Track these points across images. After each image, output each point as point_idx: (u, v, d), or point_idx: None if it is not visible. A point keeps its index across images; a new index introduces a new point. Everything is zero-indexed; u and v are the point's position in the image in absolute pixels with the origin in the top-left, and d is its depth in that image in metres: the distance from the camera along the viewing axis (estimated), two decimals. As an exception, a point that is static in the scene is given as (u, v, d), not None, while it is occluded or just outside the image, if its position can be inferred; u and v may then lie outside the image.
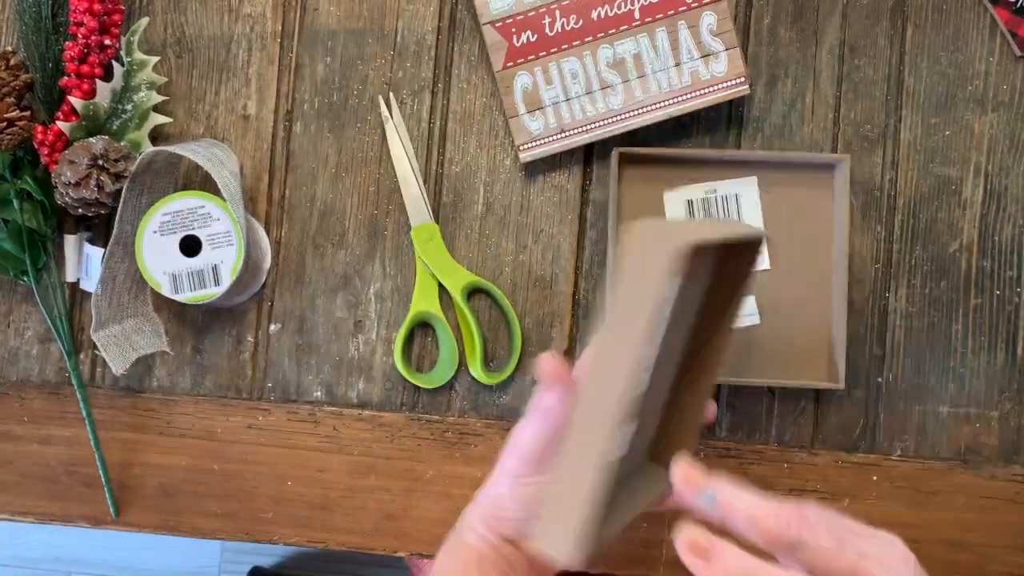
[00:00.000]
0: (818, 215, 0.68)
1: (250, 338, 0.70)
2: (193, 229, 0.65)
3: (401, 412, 0.69)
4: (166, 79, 0.70)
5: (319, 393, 0.70)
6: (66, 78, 0.66)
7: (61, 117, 0.66)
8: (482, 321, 0.70)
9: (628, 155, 0.67)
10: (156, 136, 0.70)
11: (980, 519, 0.66)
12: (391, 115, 0.70)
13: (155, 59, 0.69)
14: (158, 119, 0.69)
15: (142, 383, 0.70)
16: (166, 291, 0.65)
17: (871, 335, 0.68)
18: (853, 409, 0.68)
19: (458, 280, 0.68)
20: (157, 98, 0.69)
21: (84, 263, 0.69)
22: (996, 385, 0.68)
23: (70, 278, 0.69)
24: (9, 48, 0.67)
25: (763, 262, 0.68)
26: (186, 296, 0.66)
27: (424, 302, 0.69)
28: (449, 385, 0.69)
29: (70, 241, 0.69)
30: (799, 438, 0.68)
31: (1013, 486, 0.67)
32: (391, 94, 0.70)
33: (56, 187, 0.66)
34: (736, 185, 0.68)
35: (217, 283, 0.65)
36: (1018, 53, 0.69)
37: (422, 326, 0.70)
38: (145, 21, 0.70)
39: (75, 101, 0.66)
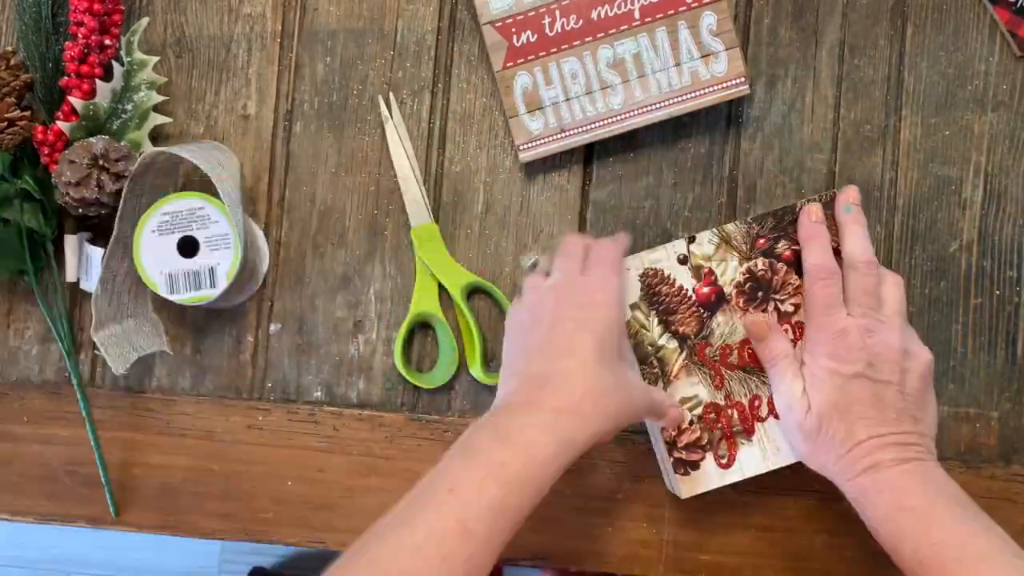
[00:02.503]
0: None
1: (250, 338, 0.70)
2: (191, 230, 0.65)
3: (401, 412, 0.69)
4: (166, 79, 0.70)
5: (319, 393, 0.70)
6: (66, 78, 0.66)
7: (61, 117, 0.66)
8: (482, 321, 0.70)
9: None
10: (156, 136, 0.70)
11: (980, 519, 0.66)
12: (391, 115, 0.70)
13: (155, 59, 0.69)
14: (158, 119, 0.69)
15: (142, 383, 0.70)
16: (162, 291, 0.65)
17: (871, 335, 0.68)
18: (853, 409, 0.68)
19: (458, 280, 0.68)
20: (157, 98, 0.69)
21: (84, 263, 0.69)
22: (996, 385, 0.68)
23: (70, 278, 0.69)
24: (9, 48, 0.67)
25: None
26: (181, 297, 0.66)
27: (424, 302, 0.69)
28: (449, 385, 0.69)
29: (70, 241, 0.69)
30: (799, 438, 0.68)
31: (1013, 486, 0.67)
32: (391, 94, 0.70)
33: (56, 187, 0.66)
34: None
35: (213, 285, 0.65)
36: (1018, 53, 0.68)
37: (422, 326, 0.70)
38: (145, 21, 0.70)
39: (75, 101, 0.66)
